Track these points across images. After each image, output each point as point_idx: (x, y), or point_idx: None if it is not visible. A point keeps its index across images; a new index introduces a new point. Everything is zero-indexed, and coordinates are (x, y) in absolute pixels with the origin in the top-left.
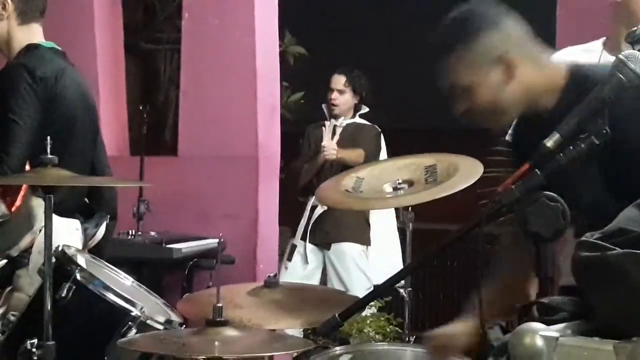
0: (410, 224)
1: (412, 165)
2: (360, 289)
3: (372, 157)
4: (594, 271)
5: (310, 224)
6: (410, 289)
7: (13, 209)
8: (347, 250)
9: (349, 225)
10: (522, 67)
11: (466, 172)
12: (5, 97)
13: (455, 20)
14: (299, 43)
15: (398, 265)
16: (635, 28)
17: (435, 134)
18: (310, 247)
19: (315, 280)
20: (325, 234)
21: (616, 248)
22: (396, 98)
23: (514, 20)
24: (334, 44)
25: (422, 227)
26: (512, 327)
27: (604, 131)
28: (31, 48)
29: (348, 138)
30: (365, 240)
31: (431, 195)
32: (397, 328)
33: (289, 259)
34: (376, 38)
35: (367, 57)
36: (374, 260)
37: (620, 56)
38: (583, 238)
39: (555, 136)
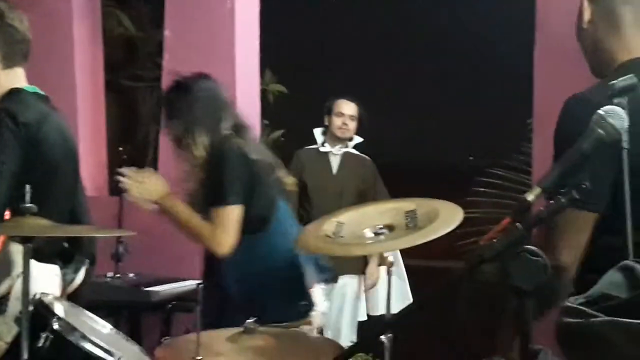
0: (391, 272)
1: (393, 210)
2: (354, 322)
3: (381, 195)
4: (577, 339)
5: None
6: (390, 335)
7: None
8: (348, 282)
9: (352, 257)
10: None
11: (446, 217)
12: None
13: None
14: (279, 81)
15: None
16: (614, 82)
17: (415, 172)
18: None
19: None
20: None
21: (600, 315)
22: (375, 134)
23: None
24: (313, 82)
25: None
26: None
27: (584, 185)
28: (14, 92)
29: (349, 170)
30: (364, 270)
31: (412, 241)
32: None
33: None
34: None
35: (347, 95)
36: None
37: (600, 111)
38: (567, 303)
39: (537, 190)
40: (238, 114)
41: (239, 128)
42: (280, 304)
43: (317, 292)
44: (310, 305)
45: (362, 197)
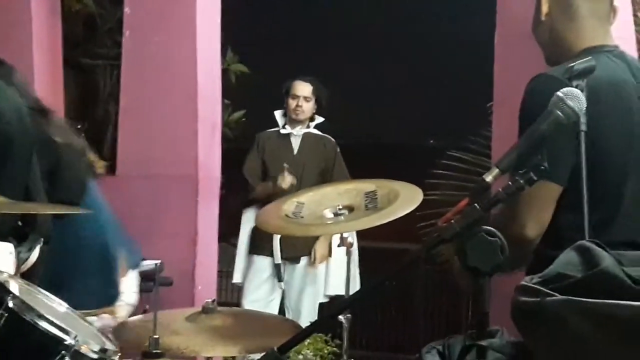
0: (351, 251)
1: (352, 190)
2: (315, 303)
3: (341, 174)
4: (532, 317)
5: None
6: (349, 315)
7: None
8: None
9: (316, 237)
10: None
11: (406, 198)
12: None
13: None
14: (241, 61)
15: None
16: (573, 64)
17: (375, 153)
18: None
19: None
20: (294, 248)
21: (555, 294)
22: (335, 114)
23: None
24: (276, 62)
25: (363, 245)
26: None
27: (542, 167)
28: None
29: (310, 149)
30: (329, 251)
31: (371, 222)
32: (335, 349)
33: (281, 280)
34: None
35: (308, 75)
36: (334, 271)
37: (559, 93)
38: (522, 282)
39: (495, 171)
40: (37, 98)
41: (40, 111)
42: (86, 289)
43: (128, 280)
44: (117, 294)
45: (323, 177)
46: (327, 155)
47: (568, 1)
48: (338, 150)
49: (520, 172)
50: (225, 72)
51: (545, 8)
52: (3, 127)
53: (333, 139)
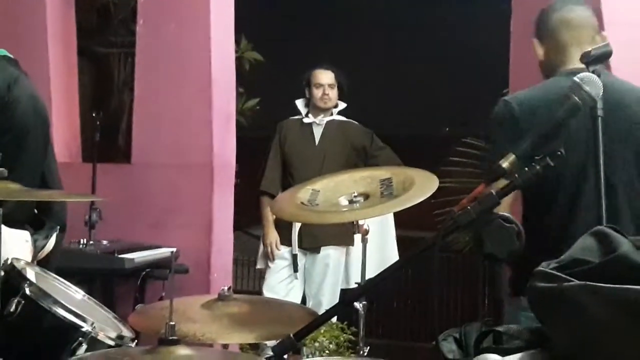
0: (367, 239)
1: (367, 178)
2: (335, 292)
3: (387, 158)
4: (549, 303)
5: (298, 229)
6: (364, 302)
7: None
8: (332, 254)
9: (336, 228)
10: None
11: (422, 186)
12: None
13: None
14: (255, 49)
15: (385, 261)
16: (590, 49)
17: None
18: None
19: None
20: (314, 238)
21: (572, 279)
22: (351, 103)
23: None
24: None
25: None
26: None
27: (559, 152)
28: None
29: (332, 138)
30: (350, 241)
31: (387, 209)
32: (351, 336)
33: (296, 270)
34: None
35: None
36: (355, 260)
37: (575, 79)
38: (539, 268)
39: (511, 157)
40: None
41: None
42: None
43: None
44: None
45: (351, 161)
46: (354, 139)
47: (557, 39)
48: (373, 134)
49: (537, 157)
50: (239, 60)
51: (540, 52)
52: (20, 116)
53: (358, 123)
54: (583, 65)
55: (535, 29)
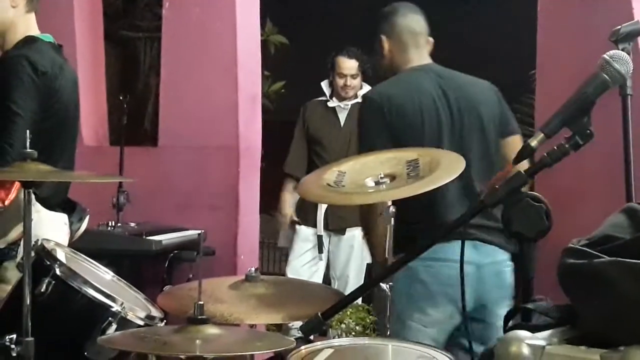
0: (392, 219)
1: (393, 159)
2: (360, 274)
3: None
4: (580, 279)
5: (324, 211)
6: (391, 283)
7: (7, 202)
8: (357, 235)
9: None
10: None
11: (448, 167)
12: (7, 87)
13: None
14: (280, 32)
15: None
16: (619, 27)
17: None
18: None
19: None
20: (340, 219)
21: (603, 255)
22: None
23: None
24: (315, 33)
25: None
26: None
27: (588, 131)
28: (30, 40)
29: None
30: None
31: (413, 190)
32: (377, 319)
33: (321, 251)
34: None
35: (349, 48)
36: None
37: (605, 56)
38: (569, 245)
39: (540, 136)
40: None
41: None
42: None
43: None
44: None
45: None
46: None
47: (400, 39)
48: None
49: (566, 136)
50: (264, 44)
51: (386, 47)
52: (64, 102)
53: None
54: (424, 63)
55: (381, 26)
